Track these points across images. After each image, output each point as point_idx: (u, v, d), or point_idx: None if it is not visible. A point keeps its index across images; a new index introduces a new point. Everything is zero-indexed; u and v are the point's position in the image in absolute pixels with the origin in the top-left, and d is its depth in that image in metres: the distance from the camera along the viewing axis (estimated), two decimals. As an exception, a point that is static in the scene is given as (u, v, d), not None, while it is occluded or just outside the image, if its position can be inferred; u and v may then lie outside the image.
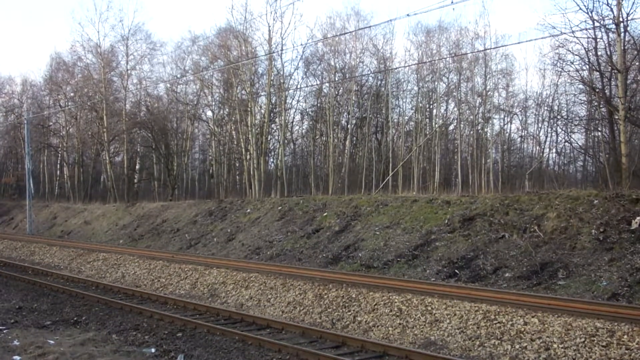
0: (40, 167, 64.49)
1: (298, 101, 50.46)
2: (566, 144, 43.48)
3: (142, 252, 25.96)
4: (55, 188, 62.38)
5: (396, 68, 45.22)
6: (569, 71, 32.17)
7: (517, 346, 11.00)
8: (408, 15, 28.48)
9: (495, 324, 11.87)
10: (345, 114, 47.76)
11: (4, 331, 13.55)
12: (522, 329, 11.44)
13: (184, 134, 53.43)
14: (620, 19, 25.14)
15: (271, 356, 11.55)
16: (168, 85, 53.12)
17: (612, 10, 25.66)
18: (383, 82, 47.13)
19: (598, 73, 29.14)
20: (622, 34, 25.38)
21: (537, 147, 45.44)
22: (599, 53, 28.29)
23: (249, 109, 43.27)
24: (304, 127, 53.41)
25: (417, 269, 18.61)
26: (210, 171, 54.71)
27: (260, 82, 46.06)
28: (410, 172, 43.48)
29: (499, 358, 10.91)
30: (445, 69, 45.75)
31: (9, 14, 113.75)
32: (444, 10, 67.32)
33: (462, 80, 45.26)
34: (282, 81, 44.59)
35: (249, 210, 29.79)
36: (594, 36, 27.47)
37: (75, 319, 15.22)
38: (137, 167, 59.36)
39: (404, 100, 49.33)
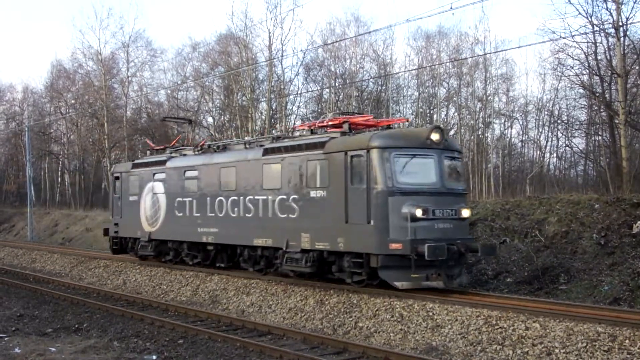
0: (41, 174, 64.59)
1: (299, 107, 50.52)
2: (567, 148, 43.50)
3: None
4: (57, 195, 62.43)
5: (396, 73, 45.33)
6: (569, 76, 32.27)
7: (519, 351, 10.98)
8: (408, 20, 28.73)
9: (497, 329, 11.85)
10: (346, 119, 47.70)
11: (5, 339, 13.54)
12: (524, 334, 11.42)
13: (185, 140, 53.44)
14: (620, 23, 25.22)
15: (272, 362, 11.54)
16: (169, 91, 53.26)
17: (611, 14, 25.75)
18: (383, 87, 47.19)
19: (598, 77, 29.20)
20: (622, 38, 25.44)
21: (538, 152, 45.45)
22: (599, 57, 28.36)
23: (249, 115, 43.33)
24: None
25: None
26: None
27: (260, 88, 46.17)
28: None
29: (500, 363, 10.90)
30: (446, 74, 45.84)
31: (9, 22, 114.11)
32: (444, 16, 67.52)
33: (463, 85, 45.34)
34: (282, 87, 44.68)
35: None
36: (593, 41, 27.56)
37: (76, 326, 15.21)
38: (138, 173, 59.34)
39: (405, 105, 49.42)
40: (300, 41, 78.74)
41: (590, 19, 26.14)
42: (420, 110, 47.26)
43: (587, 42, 27.81)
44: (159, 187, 21.89)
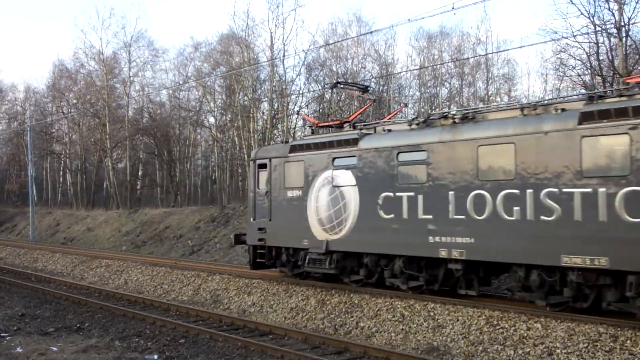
0: (43, 174, 64.65)
1: (300, 107, 50.53)
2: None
3: (145, 258, 25.97)
4: (58, 195, 62.54)
5: (398, 73, 45.29)
6: (571, 76, 32.15)
7: (520, 352, 10.98)
8: (409, 20, 28.70)
9: (498, 329, 11.85)
10: (348, 119, 47.74)
11: (7, 338, 13.57)
12: (525, 334, 11.42)
13: (187, 140, 53.52)
14: (622, 24, 25.17)
15: (274, 362, 11.55)
16: (170, 91, 53.30)
17: (613, 15, 25.68)
18: (385, 87, 47.18)
19: (600, 78, 29.13)
20: (624, 39, 25.39)
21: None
22: (601, 58, 28.28)
23: (251, 115, 43.35)
24: (306, 133, 53.40)
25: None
26: (213, 177, 54.77)
27: (262, 88, 46.18)
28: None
29: (502, 363, 10.89)
30: (447, 74, 45.80)
31: (10, 22, 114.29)
32: (446, 16, 67.43)
33: (464, 86, 45.32)
34: (284, 87, 44.67)
35: (251, 216, 29.72)
36: (595, 41, 27.48)
37: (78, 325, 15.24)
38: (140, 173, 59.49)
39: (406, 105, 49.36)
40: (302, 41, 78.87)
41: (592, 19, 26.09)
42: (422, 110, 47.24)
43: (589, 42, 27.75)
44: (345, 177, 15.75)
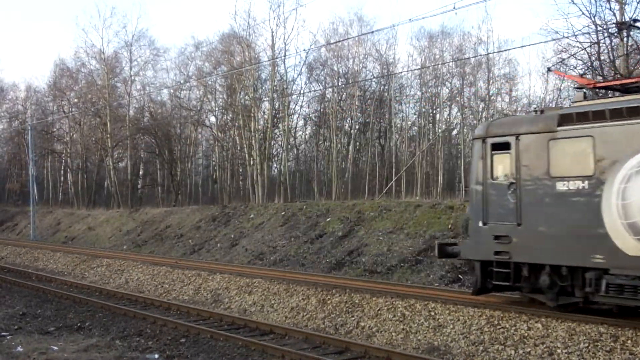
0: (44, 173, 64.69)
1: (301, 106, 50.61)
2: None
3: (146, 257, 25.97)
4: (59, 194, 62.57)
5: (399, 73, 45.34)
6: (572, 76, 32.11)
7: (521, 351, 10.98)
8: (411, 20, 28.67)
9: (499, 329, 11.84)
10: (349, 119, 47.84)
11: (8, 337, 13.57)
12: (526, 334, 11.41)
13: (188, 139, 53.55)
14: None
15: (274, 362, 11.55)
16: (171, 91, 53.35)
17: (614, 14, 25.67)
18: (386, 87, 47.22)
19: (601, 78, 29.12)
20: (625, 39, 25.37)
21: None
22: (602, 58, 28.26)
23: (252, 115, 43.39)
24: (307, 133, 53.58)
25: (421, 274, 18.57)
26: (214, 177, 54.84)
27: (263, 88, 46.26)
28: (413, 177, 43.50)
29: (502, 363, 10.89)
30: (448, 73, 45.83)
31: (11, 21, 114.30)
32: (447, 16, 67.49)
33: (465, 85, 45.34)
34: (285, 86, 44.71)
35: (252, 216, 29.80)
36: (596, 40, 27.46)
37: (78, 324, 15.24)
38: (141, 172, 59.53)
39: (407, 105, 49.44)
40: (303, 40, 78.79)
41: (593, 19, 26.09)
42: (423, 110, 47.26)
43: (590, 42, 27.74)
44: None
